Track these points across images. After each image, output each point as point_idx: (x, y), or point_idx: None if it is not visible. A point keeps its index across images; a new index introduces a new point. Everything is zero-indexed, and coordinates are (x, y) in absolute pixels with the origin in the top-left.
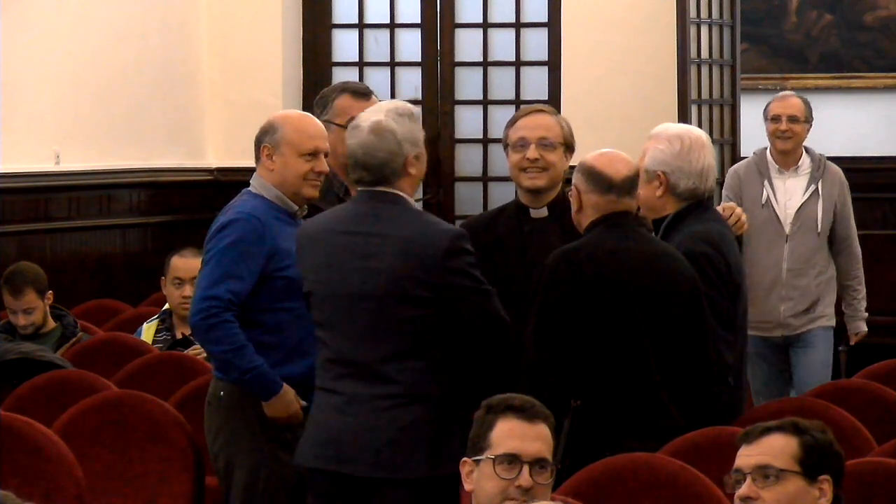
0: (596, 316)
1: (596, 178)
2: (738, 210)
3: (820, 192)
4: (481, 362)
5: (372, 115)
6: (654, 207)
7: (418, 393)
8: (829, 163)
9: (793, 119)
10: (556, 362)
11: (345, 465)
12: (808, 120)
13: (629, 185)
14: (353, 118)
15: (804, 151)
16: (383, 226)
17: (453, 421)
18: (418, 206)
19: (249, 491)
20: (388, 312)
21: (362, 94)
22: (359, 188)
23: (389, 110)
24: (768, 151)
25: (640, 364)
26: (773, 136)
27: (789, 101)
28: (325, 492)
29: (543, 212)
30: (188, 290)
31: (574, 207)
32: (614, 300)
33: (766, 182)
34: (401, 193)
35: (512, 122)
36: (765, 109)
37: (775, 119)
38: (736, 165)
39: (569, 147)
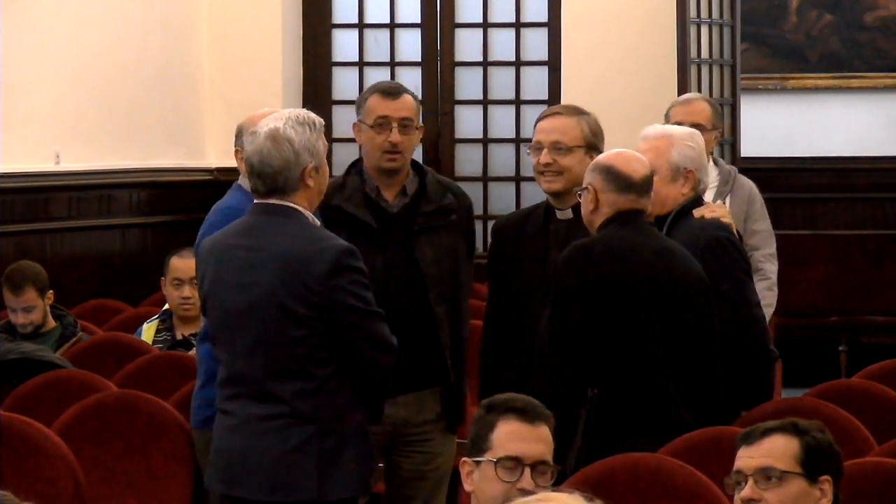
0: (609, 311)
1: (615, 177)
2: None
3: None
4: (362, 383)
5: (271, 121)
6: (671, 205)
7: (307, 414)
8: (740, 177)
9: (697, 127)
10: (571, 355)
11: (238, 488)
12: (717, 127)
13: (647, 184)
14: (381, 117)
15: (712, 163)
16: (267, 240)
17: (344, 443)
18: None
19: None
20: (272, 330)
21: (390, 92)
22: (255, 200)
23: (289, 118)
24: None
25: (652, 360)
26: None
27: (693, 106)
28: None
29: (568, 213)
30: (187, 291)
31: (589, 207)
32: (628, 296)
33: None
34: (295, 206)
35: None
36: (666, 114)
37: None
38: None
39: (592, 148)
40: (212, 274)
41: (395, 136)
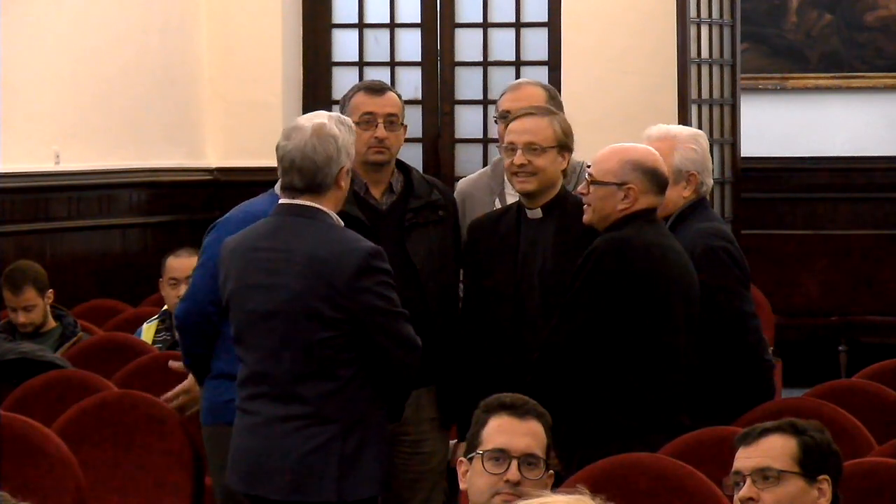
0: (641, 307)
1: (659, 179)
2: None
3: None
4: (387, 383)
5: (314, 118)
6: (671, 208)
7: (329, 415)
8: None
9: None
10: (582, 345)
11: (259, 487)
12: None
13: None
14: (367, 113)
15: None
16: (293, 241)
17: (365, 444)
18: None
19: None
20: (296, 331)
21: (375, 89)
22: (282, 200)
23: (331, 116)
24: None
25: (673, 355)
26: (503, 140)
27: (522, 92)
28: None
29: (538, 213)
30: (183, 290)
31: (622, 206)
32: (665, 291)
33: (497, 200)
34: (321, 208)
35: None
36: (497, 103)
37: (504, 117)
38: (465, 179)
39: (564, 147)
40: (235, 276)
41: (381, 131)
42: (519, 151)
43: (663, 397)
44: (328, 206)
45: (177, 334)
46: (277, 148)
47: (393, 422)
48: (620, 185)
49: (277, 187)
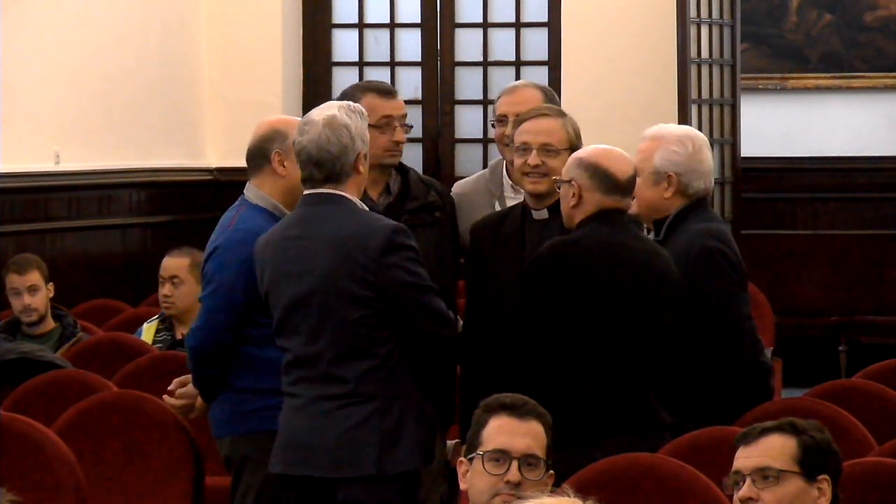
0: (585, 308)
1: (602, 177)
2: None
3: None
4: (425, 360)
5: (325, 110)
6: (658, 208)
7: (367, 393)
8: None
9: None
10: (534, 350)
11: (302, 467)
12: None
13: (632, 184)
14: (385, 116)
15: None
16: (320, 226)
17: (404, 419)
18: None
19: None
20: (330, 313)
21: (388, 92)
22: (305, 191)
23: (341, 106)
24: (504, 164)
25: (625, 358)
26: (501, 143)
27: (518, 95)
28: (291, 497)
29: (544, 213)
30: (167, 289)
31: (571, 203)
32: (608, 293)
33: (496, 204)
34: (345, 195)
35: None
36: (493, 106)
37: (502, 121)
38: (460, 182)
39: (574, 150)
40: (270, 268)
41: (399, 135)
42: (534, 152)
43: (613, 399)
44: (350, 192)
45: (188, 363)
46: (294, 143)
47: (444, 428)
48: (569, 181)
49: (248, 193)
